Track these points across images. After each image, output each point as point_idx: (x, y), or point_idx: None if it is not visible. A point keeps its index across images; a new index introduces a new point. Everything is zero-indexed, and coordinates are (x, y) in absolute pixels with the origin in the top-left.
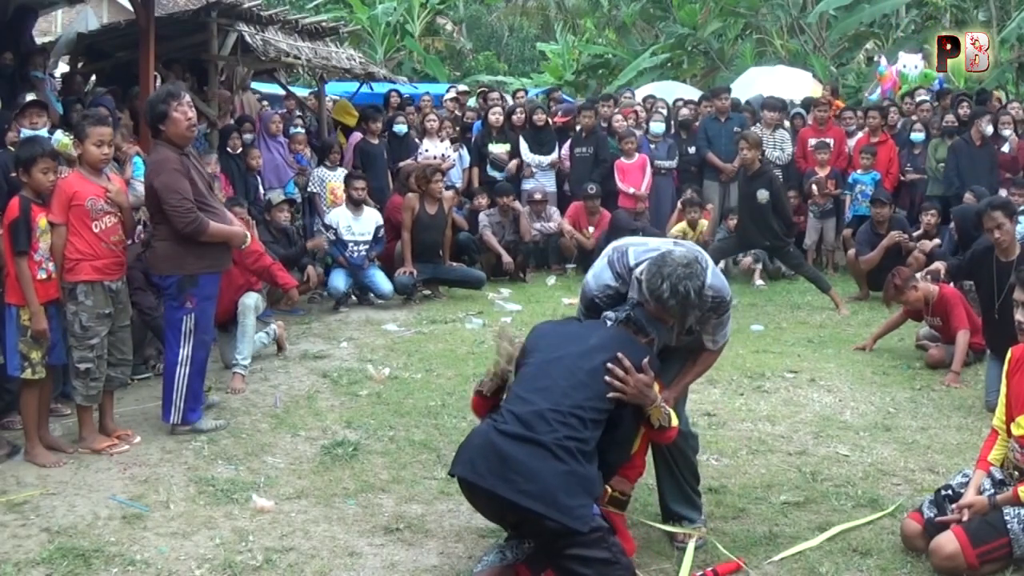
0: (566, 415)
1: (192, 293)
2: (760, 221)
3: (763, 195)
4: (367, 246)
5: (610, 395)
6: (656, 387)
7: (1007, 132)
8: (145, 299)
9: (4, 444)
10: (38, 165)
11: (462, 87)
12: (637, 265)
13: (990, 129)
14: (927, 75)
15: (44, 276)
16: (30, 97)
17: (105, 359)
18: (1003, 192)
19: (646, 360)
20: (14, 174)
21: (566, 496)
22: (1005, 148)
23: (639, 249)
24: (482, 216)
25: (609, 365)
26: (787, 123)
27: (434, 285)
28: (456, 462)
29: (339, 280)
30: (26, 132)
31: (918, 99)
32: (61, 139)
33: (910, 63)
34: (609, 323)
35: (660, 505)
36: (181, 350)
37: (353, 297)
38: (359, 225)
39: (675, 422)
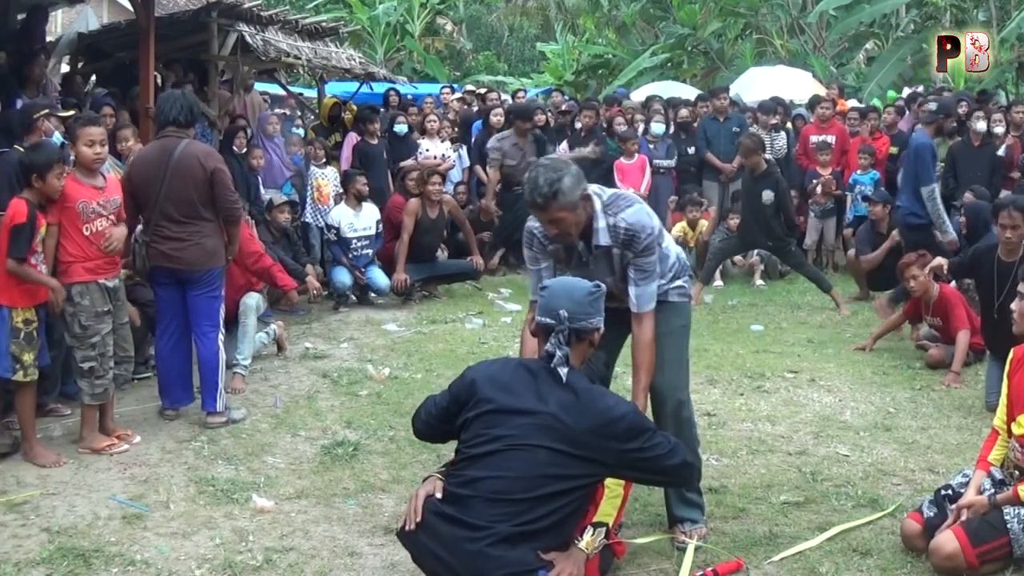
0: (515, 502)
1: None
2: (763, 221)
3: (768, 196)
4: (369, 241)
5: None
6: (585, 542)
7: (999, 130)
8: (143, 293)
9: (7, 436)
10: (54, 171)
11: (469, 86)
12: None
13: (982, 125)
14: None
15: None
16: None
17: (109, 357)
18: (1004, 193)
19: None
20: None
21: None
22: (1000, 152)
23: None
24: (493, 140)
25: None
26: (789, 124)
27: (432, 285)
28: (403, 528)
29: (344, 274)
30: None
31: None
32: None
33: None
34: (563, 372)
35: (665, 507)
36: (219, 336)
37: (353, 297)
38: (360, 221)
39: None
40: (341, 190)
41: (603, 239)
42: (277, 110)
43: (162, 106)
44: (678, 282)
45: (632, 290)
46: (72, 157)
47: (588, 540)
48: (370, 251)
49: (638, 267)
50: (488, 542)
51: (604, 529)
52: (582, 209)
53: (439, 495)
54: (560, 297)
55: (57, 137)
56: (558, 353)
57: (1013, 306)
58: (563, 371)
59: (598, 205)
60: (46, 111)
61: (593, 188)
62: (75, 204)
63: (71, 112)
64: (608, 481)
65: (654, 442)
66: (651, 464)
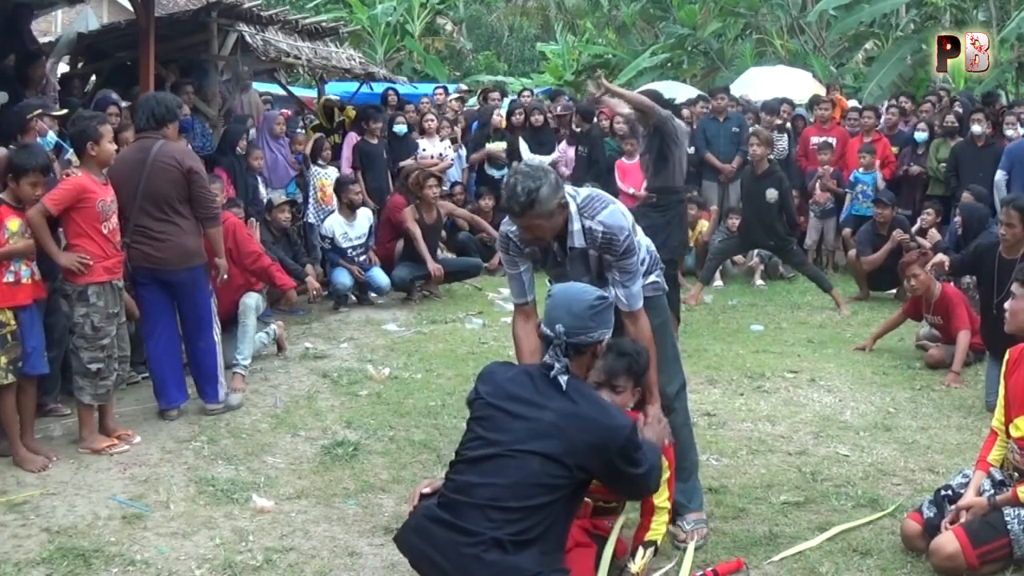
0: (508, 510)
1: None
2: (766, 221)
3: (772, 194)
4: (364, 247)
5: None
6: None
7: (1010, 132)
8: None
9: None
10: (28, 178)
11: (463, 86)
12: None
13: (978, 128)
14: None
15: (12, 280)
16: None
17: (115, 358)
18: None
19: None
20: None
21: None
22: None
23: None
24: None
25: None
26: (788, 126)
27: (433, 284)
28: (400, 532)
29: (343, 275)
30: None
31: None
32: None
33: None
34: (563, 380)
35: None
36: (215, 328)
37: (353, 297)
38: (354, 230)
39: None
40: None
41: (578, 241)
42: (283, 110)
43: (134, 112)
44: (651, 277)
45: (620, 291)
46: (69, 157)
47: (641, 562)
48: (365, 256)
49: (622, 269)
50: (483, 548)
51: (654, 547)
52: (559, 216)
53: (436, 498)
54: (560, 309)
55: (51, 137)
56: (556, 365)
57: (1006, 304)
58: (563, 379)
59: (573, 208)
60: (39, 111)
61: (568, 189)
62: (95, 203)
63: (64, 111)
64: (656, 501)
65: (640, 463)
66: (626, 479)
